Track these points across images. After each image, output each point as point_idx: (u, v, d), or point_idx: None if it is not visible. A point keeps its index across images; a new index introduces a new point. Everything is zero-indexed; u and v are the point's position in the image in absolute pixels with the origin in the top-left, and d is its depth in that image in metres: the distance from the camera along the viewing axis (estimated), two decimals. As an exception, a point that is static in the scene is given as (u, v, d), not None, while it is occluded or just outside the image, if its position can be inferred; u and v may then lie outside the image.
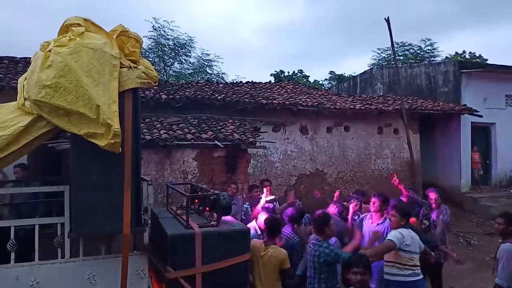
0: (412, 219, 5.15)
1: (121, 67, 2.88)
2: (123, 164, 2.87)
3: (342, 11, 54.47)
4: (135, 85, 2.92)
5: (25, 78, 2.97)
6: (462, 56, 26.59)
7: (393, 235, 3.99)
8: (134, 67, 2.95)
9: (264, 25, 57.15)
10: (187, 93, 9.31)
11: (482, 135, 12.84)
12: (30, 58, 3.05)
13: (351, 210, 5.52)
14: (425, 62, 22.16)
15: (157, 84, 3.27)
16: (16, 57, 9.64)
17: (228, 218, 3.72)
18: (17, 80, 3.29)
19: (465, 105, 12.04)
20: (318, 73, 61.91)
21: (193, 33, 46.64)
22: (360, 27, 52.15)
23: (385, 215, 4.87)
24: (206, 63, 24.11)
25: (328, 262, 3.85)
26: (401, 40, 25.46)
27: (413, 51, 25.77)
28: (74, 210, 2.96)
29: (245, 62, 49.75)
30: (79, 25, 2.92)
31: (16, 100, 3.06)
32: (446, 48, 44.72)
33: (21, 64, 9.11)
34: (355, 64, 48.83)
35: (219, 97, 9.21)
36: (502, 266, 3.86)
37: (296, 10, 58.12)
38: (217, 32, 47.90)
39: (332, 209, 5.63)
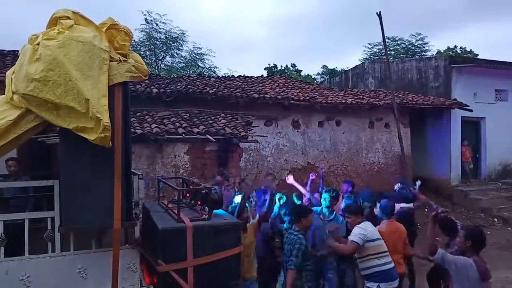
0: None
1: (110, 61, 2.86)
2: (113, 158, 2.86)
3: (338, 5, 54.30)
4: (124, 79, 2.91)
5: (13, 72, 2.94)
6: (453, 51, 26.71)
7: (355, 234, 4.17)
8: (124, 60, 2.94)
9: (263, 19, 56.97)
10: (178, 87, 9.26)
11: (472, 129, 12.98)
12: (18, 51, 3.01)
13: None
14: (416, 56, 22.26)
15: (147, 78, 3.26)
16: (4, 50, 9.49)
17: (219, 211, 3.73)
18: (5, 73, 3.24)
19: (455, 99, 12.14)
20: (311, 68, 61.84)
21: (193, 27, 46.22)
22: (356, 22, 52.08)
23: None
24: (198, 57, 23.97)
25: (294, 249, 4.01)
26: (392, 35, 25.51)
27: (404, 46, 25.84)
28: (64, 204, 2.95)
29: (243, 57, 49.44)
30: (68, 18, 2.89)
31: (4, 94, 3.03)
32: (437, 43, 44.80)
33: (9, 57, 8.97)
34: (349, 58, 48.83)
35: (211, 91, 9.17)
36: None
37: (295, 5, 57.84)
38: (217, 26, 47.51)
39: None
